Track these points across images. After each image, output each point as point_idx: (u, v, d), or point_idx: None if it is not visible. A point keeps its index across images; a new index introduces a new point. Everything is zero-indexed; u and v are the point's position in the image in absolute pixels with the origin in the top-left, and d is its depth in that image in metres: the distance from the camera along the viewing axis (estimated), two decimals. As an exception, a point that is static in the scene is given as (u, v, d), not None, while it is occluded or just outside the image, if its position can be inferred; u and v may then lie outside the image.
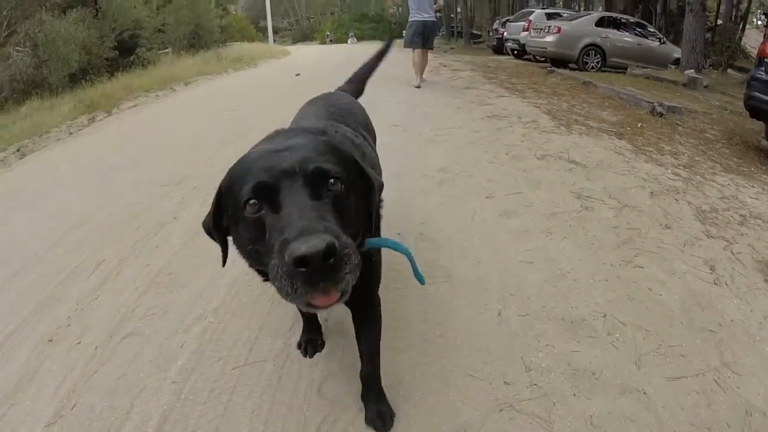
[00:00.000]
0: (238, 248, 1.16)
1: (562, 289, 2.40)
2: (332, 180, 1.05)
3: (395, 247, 1.32)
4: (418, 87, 8.31)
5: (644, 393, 1.77)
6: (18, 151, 6.59)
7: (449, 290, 2.40)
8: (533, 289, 2.41)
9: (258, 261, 1.09)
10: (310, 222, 0.93)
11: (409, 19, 8.35)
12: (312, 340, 2.03)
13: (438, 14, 8.35)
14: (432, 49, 8.68)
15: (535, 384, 1.82)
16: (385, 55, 3.02)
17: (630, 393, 1.77)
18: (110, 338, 2.21)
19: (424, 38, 8.11)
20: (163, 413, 1.77)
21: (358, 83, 2.75)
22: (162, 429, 1.70)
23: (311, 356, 1.98)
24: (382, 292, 1.62)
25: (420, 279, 1.39)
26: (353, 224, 1.12)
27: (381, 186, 1.35)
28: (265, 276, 1.15)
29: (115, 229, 3.32)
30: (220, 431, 1.67)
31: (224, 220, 1.19)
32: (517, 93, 7.62)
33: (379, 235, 1.48)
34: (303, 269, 0.86)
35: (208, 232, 1.26)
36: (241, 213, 1.04)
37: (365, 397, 1.72)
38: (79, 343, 2.21)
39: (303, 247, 0.85)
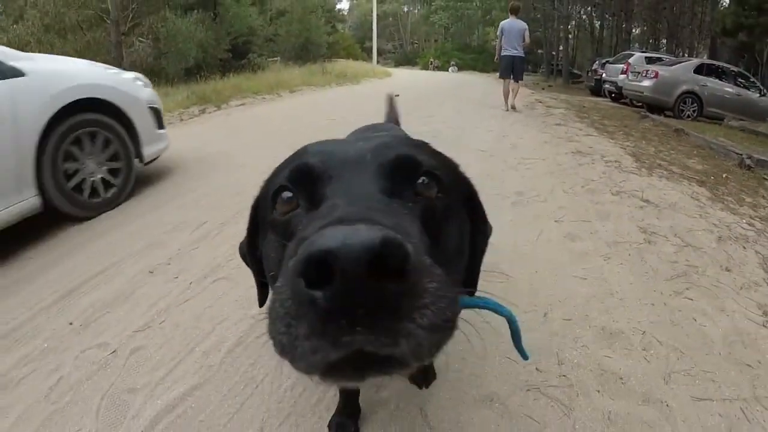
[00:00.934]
0: (268, 271, 0.81)
1: (607, 305, 2.49)
2: (424, 178, 0.71)
3: (498, 309, 0.93)
4: (506, 110, 9.14)
5: (667, 405, 1.84)
6: None
7: (504, 290, 2.58)
8: (580, 300, 2.52)
9: None
10: (372, 213, 0.55)
11: (501, 54, 9.12)
12: (343, 425, 1.59)
13: (525, 50, 9.11)
14: (520, 80, 9.35)
15: (563, 375, 1.96)
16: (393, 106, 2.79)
17: (653, 403, 1.85)
18: (204, 278, 2.67)
19: (512, 71, 8.94)
20: (238, 338, 2.16)
21: (395, 115, 2.65)
22: (234, 350, 2.09)
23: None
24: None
25: (522, 353, 1.02)
26: (450, 260, 0.73)
27: (491, 229, 1.05)
28: None
29: (220, 200, 3.86)
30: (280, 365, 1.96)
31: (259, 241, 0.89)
32: (606, 134, 7.53)
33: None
34: (322, 291, 0.44)
35: (244, 258, 1.01)
36: (268, 217, 0.75)
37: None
38: (176, 278, 2.69)
39: (321, 240, 0.44)
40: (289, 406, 1.78)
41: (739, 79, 12.87)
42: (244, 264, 1.06)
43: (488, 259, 2.78)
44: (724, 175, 5.44)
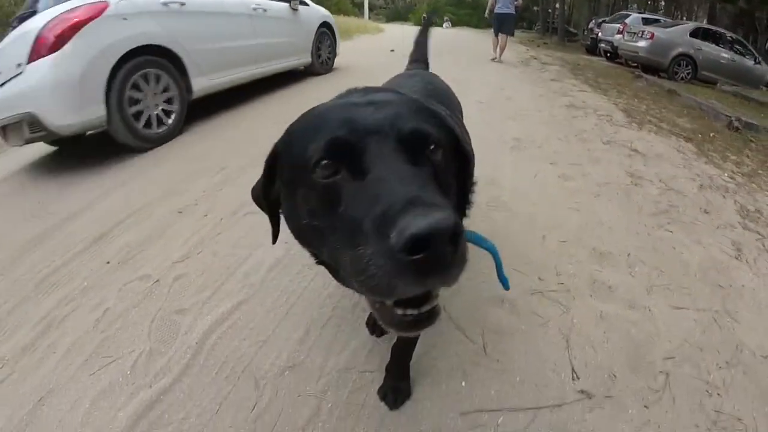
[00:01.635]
0: (290, 222, 0.96)
1: (597, 231, 2.85)
2: (432, 146, 0.85)
3: (481, 243, 1.07)
4: (494, 60, 10.47)
5: (649, 310, 2.20)
6: None
7: (507, 218, 2.94)
8: (574, 226, 2.88)
9: (315, 240, 0.88)
10: (420, 191, 0.69)
11: (495, 11, 10.13)
12: (399, 388, 1.67)
13: (517, 9, 10.11)
14: (509, 34, 10.51)
15: (561, 283, 2.32)
16: (428, 29, 2.84)
17: (637, 308, 2.20)
18: (233, 214, 2.90)
19: (500, 26, 10.17)
20: (275, 260, 2.41)
21: (425, 63, 2.64)
22: (274, 269, 2.35)
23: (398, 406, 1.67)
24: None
25: (504, 283, 1.14)
26: (450, 200, 0.90)
27: (473, 158, 1.20)
28: (319, 259, 1.02)
29: (238, 146, 4.06)
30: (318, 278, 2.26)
31: (275, 188, 1.00)
32: (600, 91, 7.83)
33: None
34: (418, 256, 0.62)
35: (257, 201, 1.09)
36: (305, 177, 0.82)
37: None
38: (206, 216, 2.91)
39: (424, 222, 0.61)
40: (330, 310, 2.06)
41: (736, 46, 13.18)
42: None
43: (491, 193, 3.11)
44: (711, 134, 5.78)
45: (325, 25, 7.49)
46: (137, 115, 4.03)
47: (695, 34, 12.57)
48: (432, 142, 0.85)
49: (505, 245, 2.61)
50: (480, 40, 18.64)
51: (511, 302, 2.17)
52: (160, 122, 4.27)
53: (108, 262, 2.45)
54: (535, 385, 1.76)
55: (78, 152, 4.34)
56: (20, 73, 3.57)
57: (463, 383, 1.75)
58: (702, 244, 2.89)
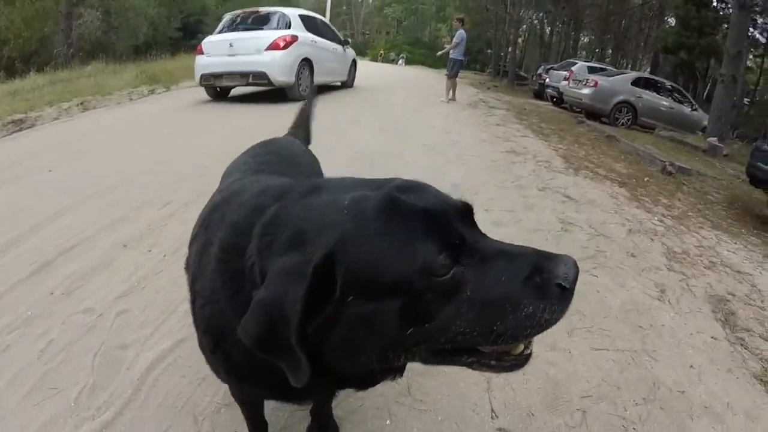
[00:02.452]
0: (356, 359, 0.81)
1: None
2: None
3: None
4: (444, 101, 11.59)
5: (569, 352, 2.38)
6: (81, 104, 7.49)
7: None
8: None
9: (396, 354, 0.81)
10: (530, 248, 0.85)
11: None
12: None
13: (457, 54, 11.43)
14: (452, 77, 11.64)
15: None
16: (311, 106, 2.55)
17: (558, 350, 2.39)
18: (176, 251, 2.97)
19: (449, 69, 11.61)
20: None
21: (305, 129, 2.40)
22: None
23: None
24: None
25: None
26: None
27: None
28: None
29: (181, 177, 4.24)
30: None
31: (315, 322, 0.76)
32: (542, 136, 8.28)
33: None
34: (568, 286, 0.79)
35: (283, 349, 0.75)
36: (406, 286, 0.74)
37: (313, 412, 1.73)
38: (150, 251, 3.01)
39: (571, 264, 0.81)
40: None
41: (675, 94, 14.25)
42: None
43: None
44: (646, 179, 6.22)
45: (354, 60, 12.95)
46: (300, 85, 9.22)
47: (636, 83, 13.58)
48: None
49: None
50: (433, 79, 19.29)
51: None
52: (304, 90, 9.09)
53: (52, 293, 2.53)
54: (455, 424, 1.90)
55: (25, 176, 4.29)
56: (260, 54, 8.69)
57: (388, 422, 1.88)
58: (625, 287, 3.12)
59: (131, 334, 2.23)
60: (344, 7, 56.70)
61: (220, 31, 9.57)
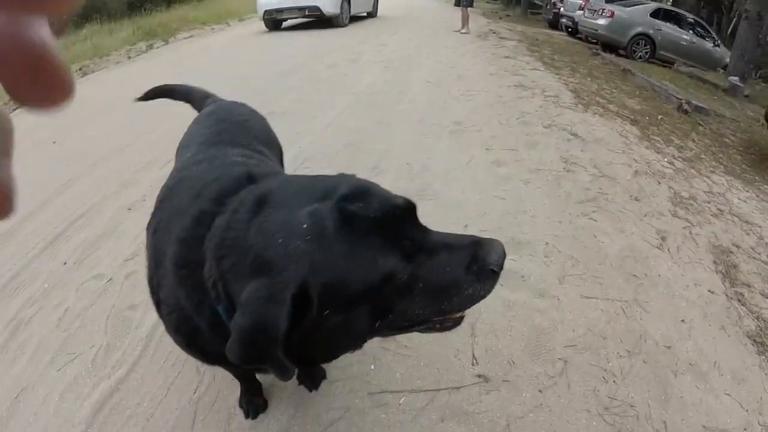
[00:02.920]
0: (334, 353, 1.00)
1: (519, 220, 3.03)
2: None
3: None
4: (458, 31, 11.61)
5: (558, 299, 2.38)
6: (80, 70, 7.45)
7: (434, 207, 3.14)
8: (497, 215, 3.06)
9: (368, 334, 0.96)
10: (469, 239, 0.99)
11: None
12: (253, 401, 1.80)
13: None
14: (467, 6, 11.58)
15: None
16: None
17: (547, 297, 2.38)
18: None
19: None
20: None
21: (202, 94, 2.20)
22: None
23: (254, 417, 1.81)
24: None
25: None
26: None
27: None
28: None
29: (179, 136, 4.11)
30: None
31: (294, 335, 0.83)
32: (553, 69, 8.01)
33: None
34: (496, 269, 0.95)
35: (269, 360, 0.84)
36: (373, 292, 0.86)
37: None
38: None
39: (500, 250, 0.97)
40: None
41: (697, 28, 13.59)
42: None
43: (423, 180, 3.25)
44: (659, 117, 6.02)
45: None
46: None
47: (656, 14, 12.91)
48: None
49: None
50: (440, 10, 18.76)
51: None
52: (345, 19, 12.49)
53: (65, 263, 2.67)
54: (437, 369, 1.94)
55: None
56: None
57: (372, 367, 1.95)
58: (624, 232, 3.07)
59: (139, 295, 2.35)
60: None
61: None
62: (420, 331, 1.02)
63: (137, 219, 3.03)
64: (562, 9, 17.25)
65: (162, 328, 1.98)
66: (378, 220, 0.87)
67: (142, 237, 2.65)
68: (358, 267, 0.84)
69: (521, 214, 3.09)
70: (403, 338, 2.04)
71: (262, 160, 1.45)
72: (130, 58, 8.43)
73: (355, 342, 0.97)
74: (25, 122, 5.18)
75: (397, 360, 1.97)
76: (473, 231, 2.85)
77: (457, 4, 11.79)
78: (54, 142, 4.58)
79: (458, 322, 1.05)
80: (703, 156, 4.93)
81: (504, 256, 0.95)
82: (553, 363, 2.01)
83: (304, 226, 0.84)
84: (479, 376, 1.92)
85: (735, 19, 19.03)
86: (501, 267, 0.95)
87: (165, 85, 2.17)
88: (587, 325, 2.25)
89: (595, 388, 1.92)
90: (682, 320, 2.39)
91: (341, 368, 1.93)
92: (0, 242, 2.94)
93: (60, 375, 1.96)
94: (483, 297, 0.97)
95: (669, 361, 2.12)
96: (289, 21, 12.39)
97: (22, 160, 4.20)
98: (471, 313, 2.22)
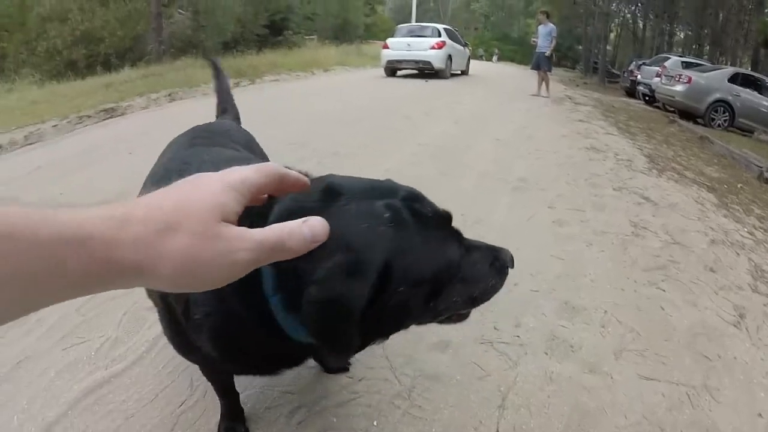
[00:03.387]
0: (387, 332, 0.98)
1: (578, 283, 2.63)
2: None
3: None
4: (535, 95, 11.61)
5: (611, 377, 1.96)
6: (169, 95, 7.81)
7: None
8: (552, 276, 2.67)
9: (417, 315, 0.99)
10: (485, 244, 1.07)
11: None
12: (234, 428, 1.64)
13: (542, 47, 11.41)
14: (544, 71, 11.62)
15: (517, 336, 2.13)
16: (221, 72, 2.50)
17: (597, 373, 1.97)
18: None
19: (535, 63, 11.68)
20: None
21: (231, 108, 2.40)
22: None
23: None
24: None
25: None
26: None
27: None
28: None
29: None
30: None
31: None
32: (628, 135, 7.57)
33: None
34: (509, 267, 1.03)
35: (345, 333, 0.84)
36: (444, 273, 0.94)
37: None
38: None
39: (509, 256, 1.04)
40: None
41: (775, 91, 12.62)
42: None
43: (476, 232, 2.97)
44: (739, 185, 5.44)
45: (468, 57, 18.57)
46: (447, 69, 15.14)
47: (734, 79, 12.06)
48: None
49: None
50: (520, 75, 18.68)
51: (456, 349, 2.01)
52: (449, 74, 15.41)
53: None
54: None
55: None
56: (427, 51, 14.25)
57: (375, 423, 1.65)
58: (697, 306, 2.62)
59: None
60: (431, 3, 56.01)
61: (396, 36, 15.72)
62: (440, 321, 1.06)
63: None
64: (639, 76, 16.63)
65: None
66: (435, 220, 0.94)
67: None
68: (431, 252, 0.90)
69: (580, 278, 2.69)
70: (420, 396, 1.75)
71: (251, 157, 1.49)
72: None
73: (410, 320, 0.99)
74: (106, 135, 5.45)
75: (406, 421, 1.65)
76: (524, 290, 2.51)
77: (535, 67, 11.65)
78: (130, 153, 4.66)
79: (466, 316, 1.11)
80: (787, 227, 4.34)
81: (512, 260, 1.04)
82: (595, 455, 1.62)
83: (386, 215, 0.87)
84: (499, 459, 1.56)
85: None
86: (512, 266, 1.04)
87: (221, 71, 2.39)
88: (643, 411, 1.82)
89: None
90: (760, 414, 1.91)
91: (340, 416, 1.66)
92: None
93: (63, 354, 1.94)
94: (498, 289, 1.04)
95: (741, 466, 1.65)
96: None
97: (96, 167, 4.30)
98: (504, 382, 1.88)
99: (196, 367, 1.70)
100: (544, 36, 11.26)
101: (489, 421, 1.68)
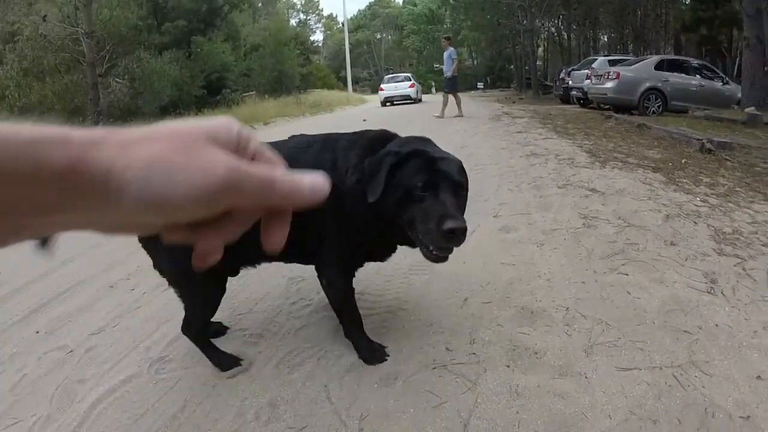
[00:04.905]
0: (380, 205, 1.60)
1: (532, 286, 2.46)
2: (463, 192, 1.64)
3: None
4: (438, 117, 12.39)
5: (585, 377, 1.77)
6: None
7: (426, 282, 2.65)
8: (503, 284, 2.51)
9: (399, 213, 1.58)
10: (454, 209, 1.48)
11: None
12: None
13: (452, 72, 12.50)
14: (452, 92, 12.54)
15: (473, 353, 1.93)
16: None
17: (570, 376, 1.78)
18: (156, 287, 2.88)
19: (444, 86, 12.94)
20: (176, 335, 2.28)
21: None
22: (173, 344, 2.30)
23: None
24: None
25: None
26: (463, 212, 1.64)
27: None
28: (376, 216, 1.68)
29: None
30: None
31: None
32: (567, 136, 7.67)
33: None
34: (451, 236, 1.41)
35: (378, 178, 1.58)
36: (409, 189, 1.55)
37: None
38: (133, 290, 2.97)
39: (455, 224, 1.40)
40: (211, 388, 1.96)
41: (703, 71, 13.15)
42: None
43: (416, 255, 2.79)
44: (683, 161, 5.48)
45: (419, 89, 27.37)
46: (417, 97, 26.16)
47: (660, 66, 12.56)
48: (464, 188, 1.65)
49: (418, 314, 2.30)
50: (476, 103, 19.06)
51: (406, 379, 1.81)
52: (420, 100, 26.22)
53: (37, 332, 2.58)
54: None
55: None
56: (406, 89, 24.77)
57: None
58: (664, 282, 2.48)
59: (92, 369, 2.21)
60: (364, 47, 57.73)
61: (385, 82, 25.93)
62: (423, 252, 1.57)
63: (115, 296, 2.92)
64: (570, 82, 17.19)
65: (102, 406, 1.96)
66: (427, 160, 1.60)
67: (114, 313, 2.70)
68: (408, 174, 1.57)
69: (534, 280, 2.52)
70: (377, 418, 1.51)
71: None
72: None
73: (402, 204, 1.58)
74: None
75: None
76: (475, 303, 2.34)
77: (445, 90, 12.81)
78: None
79: (442, 259, 1.54)
80: (737, 189, 4.31)
81: (457, 232, 1.42)
82: (583, 470, 1.40)
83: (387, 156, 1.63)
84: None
85: (738, 58, 18.51)
86: (454, 239, 1.44)
87: None
88: (629, 406, 1.63)
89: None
90: (758, 377, 1.75)
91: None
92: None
93: None
94: (429, 241, 1.51)
95: (754, 438, 1.45)
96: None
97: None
98: (464, 406, 1.66)
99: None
100: (446, 60, 12.25)
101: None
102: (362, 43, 56.72)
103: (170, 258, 1.78)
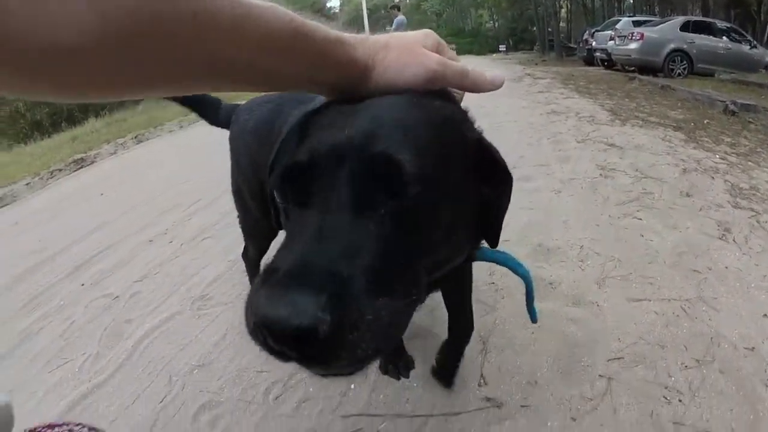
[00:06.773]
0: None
1: (549, 226, 2.58)
2: (405, 181, 0.57)
3: (516, 268, 0.99)
4: None
5: (597, 305, 1.90)
6: (135, 138, 7.85)
7: None
8: (521, 225, 2.63)
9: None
10: (319, 256, 0.53)
11: None
12: (394, 362, 1.61)
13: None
14: None
15: (492, 283, 2.07)
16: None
17: (583, 304, 1.92)
18: (192, 239, 3.13)
19: None
20: (216, 276, 2.57)
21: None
22: (212, 284, 2.50)
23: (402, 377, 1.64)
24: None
25: (532, 316, 1.08)
26: (438, 248, 0.67)
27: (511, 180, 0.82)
28: None
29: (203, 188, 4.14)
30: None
31: None
32: (589, 96, 7.61)
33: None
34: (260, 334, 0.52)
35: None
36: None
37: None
38: (171, 242, 3.16)
39: (266, 309, 0.50)
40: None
41: (731, 33, 12.80)
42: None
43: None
44: (705, 121, 5.46)
45: None
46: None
47: (686, 27, 12.22)
48: (403, 177, 0.57)
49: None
50: (475, 63, 18.89)
51: (430, 306, 1.92)
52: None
53: (83, 285, 2.73)
54: (431, 391, 1.54)
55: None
56: None
57: (353, 386, 1.61)
58: (678, 228, 2.58)
59: (137, 311, 2.36)
60: (382, 11, 56.86)
61: None
62: None
63: (154, 249, 3.09)
64: (594, 44, 16.81)
65: (147, 340, 2.10)
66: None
67: (154, 263, 2.88)
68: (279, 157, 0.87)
69: (551, 221, 2.64)
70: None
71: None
72: (181, 127, 8.59)
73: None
74: (78, 183, 5.49)
75: (385, 380, 1.60)
76: (493, 244, 2.45)
77: None
78: (101, 194, 4.65)
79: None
80: (759, 149, 4.30)
81: (278, 330, 0.48)
82: (591, 382, 1.53)
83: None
84: (488, 399, 1.48)
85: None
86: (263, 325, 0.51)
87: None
88: (638, 333, 1.76)
89: (652, 412, 1.41)
90: (765, 315, 1.85)
91: (317, 386, 1.63)
92: (32, 271, 3.01)
93: (49, 376, 1.97)
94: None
95: (755, 368, 1.58)
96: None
97: (75, 211, 4.28)
98: (483, 327, 1.80)
99: (176, 362, 1.94)
100: (396, 29, 11.93)
101: (472, 366, 1.61)
102: (380, 7, 55.79)
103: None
